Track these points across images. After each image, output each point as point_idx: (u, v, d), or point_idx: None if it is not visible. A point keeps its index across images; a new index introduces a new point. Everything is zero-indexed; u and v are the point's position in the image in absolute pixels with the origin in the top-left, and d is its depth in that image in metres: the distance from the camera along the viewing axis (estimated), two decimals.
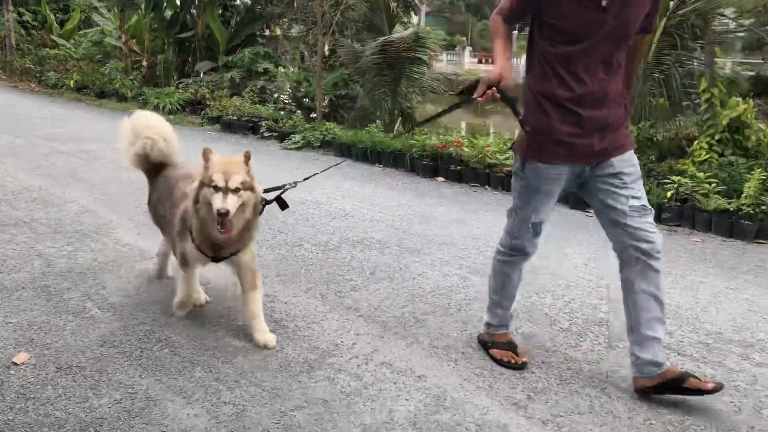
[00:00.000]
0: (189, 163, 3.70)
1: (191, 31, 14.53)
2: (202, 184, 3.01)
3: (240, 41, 14.43)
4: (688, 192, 5.96)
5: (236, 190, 2.96)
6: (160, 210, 3.67)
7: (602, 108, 2.74)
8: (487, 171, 7.34)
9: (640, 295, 2.85)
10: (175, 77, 14.54)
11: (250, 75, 13.11)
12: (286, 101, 12.45)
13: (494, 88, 2.67)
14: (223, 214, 2.92)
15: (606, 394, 2.97)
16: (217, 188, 2.94)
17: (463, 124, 16.69)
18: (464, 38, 40.43)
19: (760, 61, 14.97)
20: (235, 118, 11.05)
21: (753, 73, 14.21)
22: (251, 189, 3.06)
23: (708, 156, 6.63)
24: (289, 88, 12.43)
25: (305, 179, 3.60)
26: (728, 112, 6.74)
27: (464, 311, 3.83)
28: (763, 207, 5.57)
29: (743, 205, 5.65)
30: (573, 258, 4.90)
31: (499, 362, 3.16)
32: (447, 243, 5.16)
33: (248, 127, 10.73)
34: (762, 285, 4.47)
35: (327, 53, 12.35)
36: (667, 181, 6.19)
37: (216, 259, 3.27)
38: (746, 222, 5.53)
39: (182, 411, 2.70)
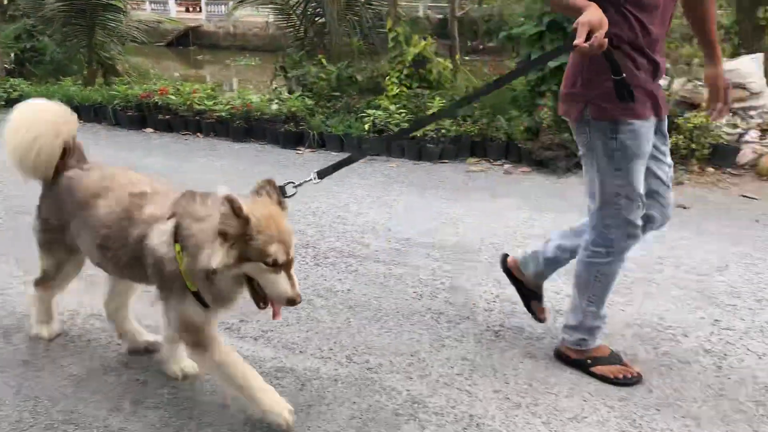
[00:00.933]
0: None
1: None
2: (242, 259, 2.03)
3: None
4: (383, 123, 6.55)
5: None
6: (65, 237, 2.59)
7: (662, 55, 2.45)
8: (197, 118, 7.25)
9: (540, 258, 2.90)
10: None
11: None
12: None
13: (600, 32, 2.12)
14: (296, 304, 2.11)
15: (312, 305, 3.26)
16: (275, 264, 2.03)
17: (177, 75, 16.04)
18: None
19: (446, 5, 16.67)
20: None
21: (441, 16, 15.85)
22: None
23: (398, 90, 7.30)
24: None
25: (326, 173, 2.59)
26: (412, 48, 7.47)
27: None
28: (444, 131, 6.36)
29: (428, 131, 6.39)
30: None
31: (614, 381, 2.62)
32: None
33: None
34: (443, 197, 5.16)
35: (5, 2, 10.94)
36: (364, 115, 6.72)
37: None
38: (431, 146, 6.28)
39: None
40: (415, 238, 4.22)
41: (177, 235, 2.16)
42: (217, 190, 2.12)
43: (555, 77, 5.86)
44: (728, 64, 6.20)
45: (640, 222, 2.50)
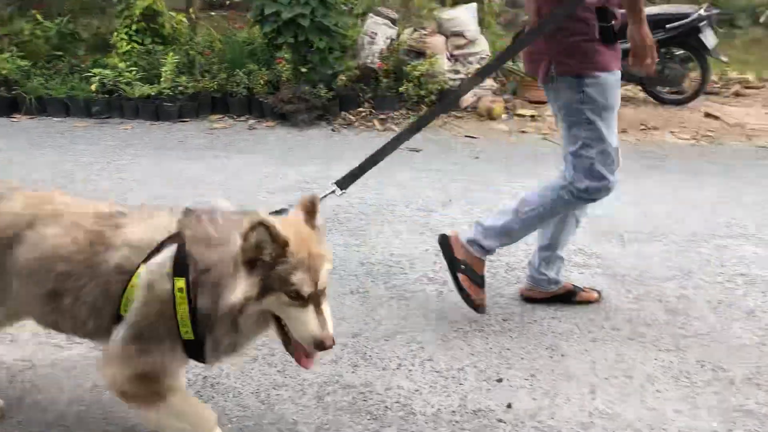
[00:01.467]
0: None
1: None
2: (266, 289, 1.57)
3: None
4: (112, 83, 6.06)
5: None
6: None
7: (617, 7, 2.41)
8: None
9: (571, 218, 2.70)
10: None
11: None
12: None
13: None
14: (328, 348, 1.65)
15: None
16: (298, 297, 1.59)
17: None
18: None
19: None
20: None
21: None
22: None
23: (129, 46, 6.78)
24: None
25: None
26: (140, 2, 6.94)
27: None
28: (180, 88, 6.06)
29: (164, 89, 6.05)
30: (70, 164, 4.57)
31: (466, 297, 2.67)
32: None
33: None
34: (183, 157, 4.95)
35: None
36: (91, 75, 6.15)
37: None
38: (168, 104, 5.96)
39: None
40: (150, 202, 3.98)
41: (178, 268, 1.65)
42: (216, 202, 1.72)
43: (289, 30, 5.84)
44: (447, 14, 6.68)
45: (612, 176, 2.49)
